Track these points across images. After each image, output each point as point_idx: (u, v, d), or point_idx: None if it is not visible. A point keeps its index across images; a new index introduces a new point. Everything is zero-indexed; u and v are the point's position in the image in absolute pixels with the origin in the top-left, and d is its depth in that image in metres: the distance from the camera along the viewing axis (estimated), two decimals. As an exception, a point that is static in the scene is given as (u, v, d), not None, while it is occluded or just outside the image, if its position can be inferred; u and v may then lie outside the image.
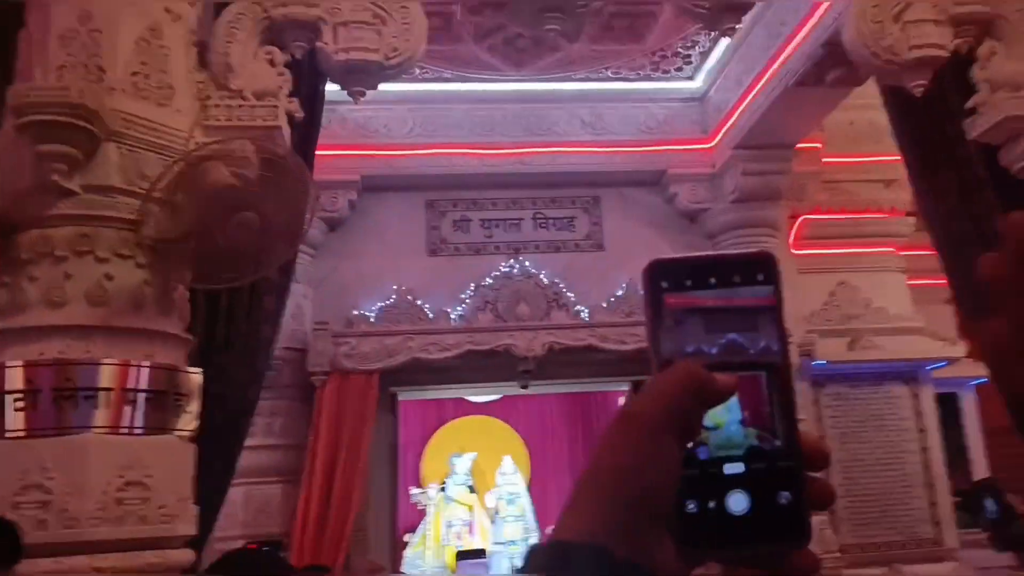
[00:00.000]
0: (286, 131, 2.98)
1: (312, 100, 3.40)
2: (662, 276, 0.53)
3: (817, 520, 6.65)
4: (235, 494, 6.54)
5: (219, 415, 3.14)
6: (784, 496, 0.51)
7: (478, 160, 7.30)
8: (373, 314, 7.04)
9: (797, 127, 6.76)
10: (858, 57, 3.42)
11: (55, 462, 2.36)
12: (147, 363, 2.57)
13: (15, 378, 2.41)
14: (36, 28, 2.75)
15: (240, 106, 2.87)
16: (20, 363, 2.42)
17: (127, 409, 2.50)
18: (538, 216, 7.59)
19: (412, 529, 12.10)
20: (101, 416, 2.46)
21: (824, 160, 7.61)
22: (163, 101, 2.80)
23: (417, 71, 7.08)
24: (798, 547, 0.52)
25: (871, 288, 7.87)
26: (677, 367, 0.53)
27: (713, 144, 7.43)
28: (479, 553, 5.02)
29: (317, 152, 7.02)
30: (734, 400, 0.52)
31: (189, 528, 2.72)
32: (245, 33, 2.98)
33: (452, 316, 7.08)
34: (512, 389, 7.78)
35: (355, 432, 6.59)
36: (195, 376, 2.74)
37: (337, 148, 7.13)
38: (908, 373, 7.81)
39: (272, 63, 3.02)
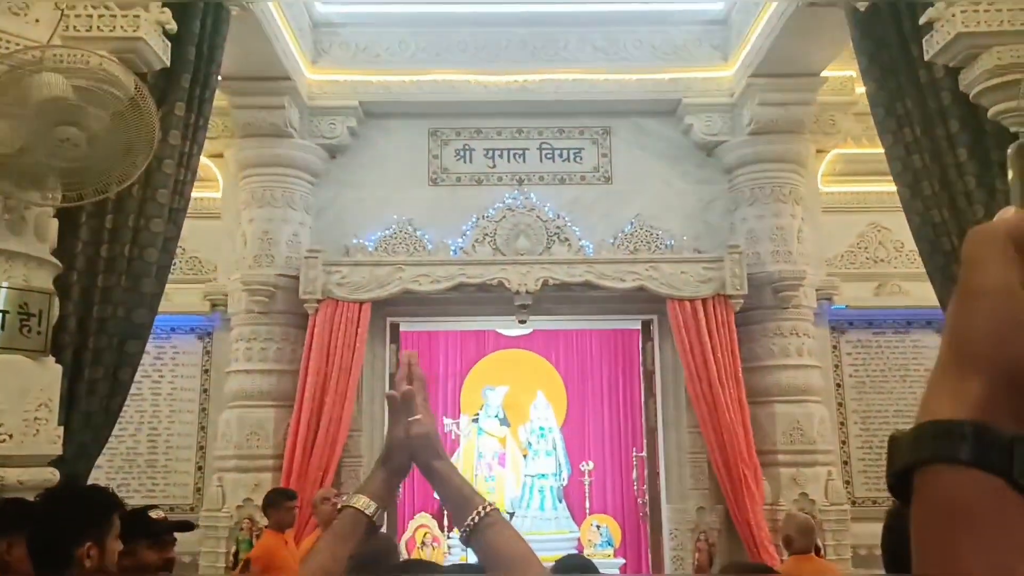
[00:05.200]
0: (156, 42, 2.84)
1: (216, 11, 3.22)
2: None
3: (824, 471, 6.32)
4: (229, 416, 6.74)
5: (102, 337, 3.11)
6: None
7: (482, 87, 7.03)
8: (372, 243, 6.97)
9: (819, 52, 6.21)
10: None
11: None
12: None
13: None
14: None
15: (100, 16, 2.73)
16: None
17: (-40, 327, 2.48)
18: (544, 147, 7.29)
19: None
20: (-68, 332, 2.45)
21: (858, 90, 7.02)
22: (17, 10, 2.70)
23: (418, -9, 6.81)
24: None
25: (904, 230, 7.31)
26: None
27: (732, 71, 6.93)
28: None
29: (315, 76, 6.95)
30: None
31: (47, 448, 2.71)
32: (114, -61, 2.83)
33: (452, 248, 6.94)
34: (516, 323, 7.61)
35: (345, 360, 6.60)
36: (43, 296, 2.69)
37: (336, 72, 6.99)
38: (939, 321, 7.29)
39: (146, -29, 2.87)
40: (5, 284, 2.64)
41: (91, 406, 3.02)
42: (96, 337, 3.05)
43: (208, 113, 3.58)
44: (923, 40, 2.92)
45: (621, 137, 7.29)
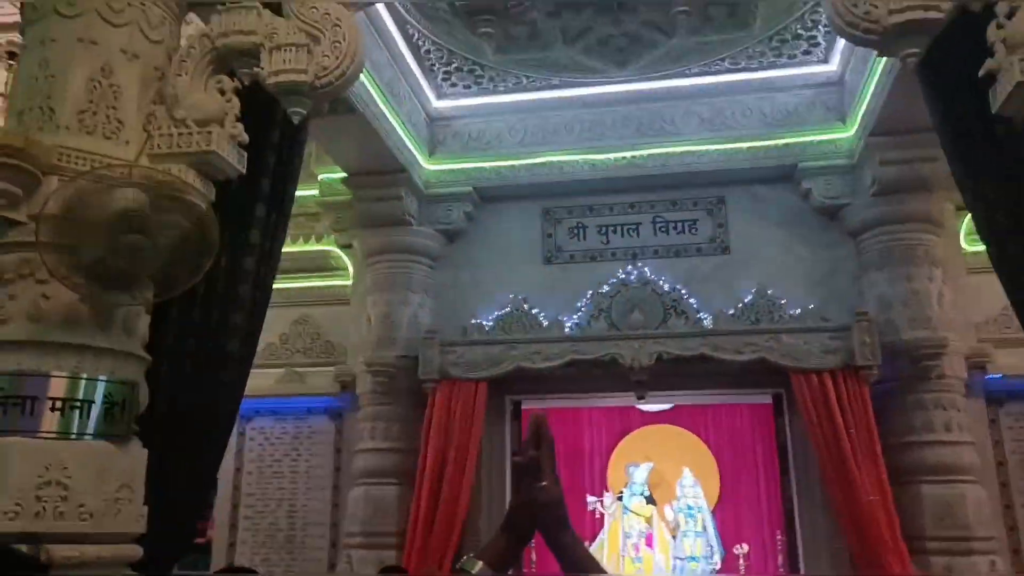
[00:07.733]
0: (231, 154, 3.14)
1: (292, 122, 3.50)
2: None
3: (984, 560, 5.66)
4: (356, 494, 6.99)
5: (187, 425, 3.38)
6: None
7: (591, 166, 7.13)
8: (489, 323, 7.12)
9: (940, 105, 5.82)
10: (835, 27, 2.86)
11: (-20, 462, 2.69)
12: (64, 374, 2.84)
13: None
14: (14, 79, 3.17)
15: (180, 134, 3.08)
16: (-44, 374, 2.79)
17: (51, 415, 2.79)
18: (657, 220, 7.24)
19: (595, 537, 12.06)
20: (27, 422, 2.77)
21: (998, 141, 6.49)
22: (110, 135, 3.09)
23: (524, 80, 7.09)
24: None
25: (1068, 290, 6.57)
26: None
27: (851, 132, 6.63)
28: None
29: (431, 166, 7.33)
30: None
31: (130, 526, 2.96)
32: (194, 64, 3.20)
33: (567, 325, 6.97)
34: (635, 399, 7.46)
35: (463, 438, 6.71)
36: (126, 387, 2.97)
37: (451, 161, 7.34)
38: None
39: (222, 91, 3.21)
40: (101, 378, 2.94)
41: (178, 487, 3.27)
42: (182, 423, 3.32)
43: (288, 212, 3.88)
44: (988, 92, 2.69)
45: (737, 205, 7.12)
